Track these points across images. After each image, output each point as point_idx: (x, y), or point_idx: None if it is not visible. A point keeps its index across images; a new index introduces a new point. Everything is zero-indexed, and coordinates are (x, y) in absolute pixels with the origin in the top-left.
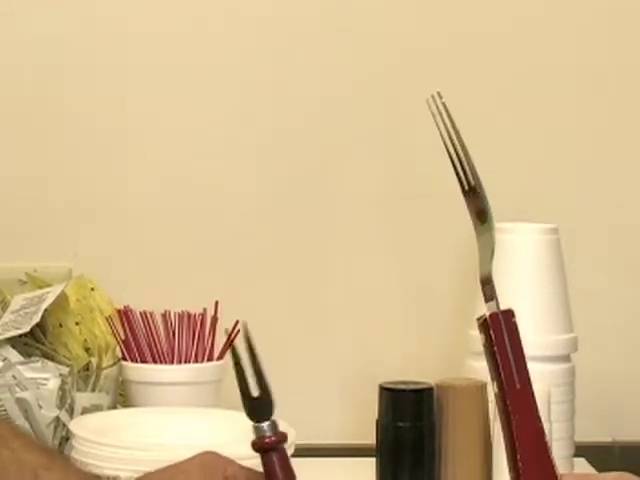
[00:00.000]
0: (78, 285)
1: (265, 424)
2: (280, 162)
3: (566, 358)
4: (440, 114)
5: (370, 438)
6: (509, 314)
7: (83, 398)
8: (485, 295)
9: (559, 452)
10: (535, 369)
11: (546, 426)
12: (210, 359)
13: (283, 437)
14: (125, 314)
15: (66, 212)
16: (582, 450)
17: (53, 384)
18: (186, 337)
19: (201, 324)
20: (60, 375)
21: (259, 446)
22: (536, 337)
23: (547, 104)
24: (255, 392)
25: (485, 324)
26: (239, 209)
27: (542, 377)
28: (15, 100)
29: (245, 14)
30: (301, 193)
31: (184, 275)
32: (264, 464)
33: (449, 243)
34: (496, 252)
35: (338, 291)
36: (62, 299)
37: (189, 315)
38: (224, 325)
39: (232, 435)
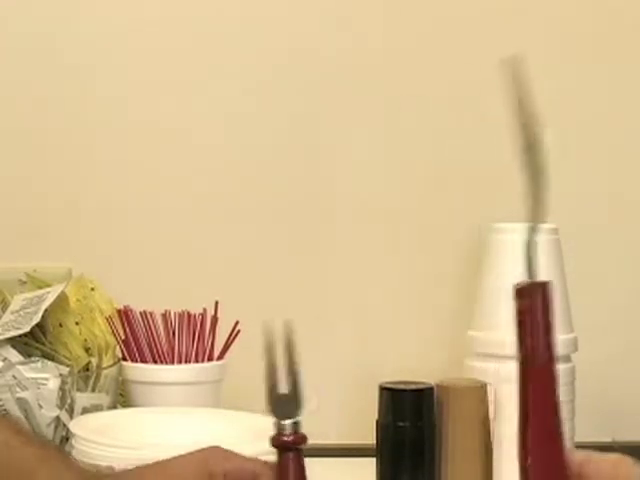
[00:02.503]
0: (78, 285)
1: (287, 422)
2: (280, 162)
3: (566, 358)
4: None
5: (370, 438)
6: (547, 286)
7: (83, 398)
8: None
9: None
10: None
11: None
12: (210, 359)
13: (302, 439)
14: (125, 314)
15: (66, 212)
16: (582, 450)
17: (53, 384)
18: (186, 337)
19: (201, 324)
20: (60, 375)
21: (276, 443)
22: None
23: (547, 104)
24: (283, 389)
25: (522, 291)
26: (239, 209)
27: None
28: (15, 100)
29: (245, 14)
30: (302, 194)
31: (184, 275)
32: (279, 462)
33: (449, 244)
34: (496, 252)
35: (338, 291)
36: (62, 299)
37: (189, 315)
38: (224, 325)
39: (232, 435)
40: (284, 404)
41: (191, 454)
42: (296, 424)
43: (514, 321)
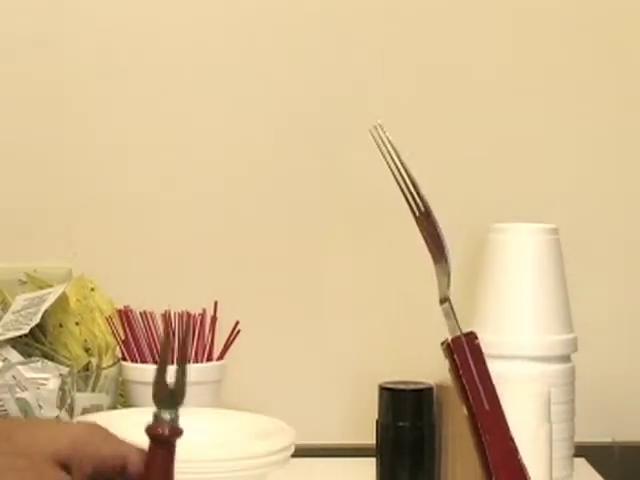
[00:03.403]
0: (78, 285)
1: (167, 413)
2: (280, 164)
3: (566, 358)
4: (384, 145)
5: (370, 438)
6: (472, 336)
7: (83, 398)
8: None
9: (559, 452)
10: (535, 369)
11: (546, 426)
12: (210, 359)
13: (177, 432)
14: (125, 314)
15: (66, 212)
16: (582, 450)
17: (53, 384)
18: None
19: (201, 324)
20: (60, 375)
21: (151, 433)
22: (536, 337)
23: (547, 104)
24: (170, 381)
25: (449, 348)
26: (239, 210)
27: (542, 377)
28: (15, 100)
29: (244, 11)
30: (300, 194)
31: (184, 275)
32: (149, 453)
33: (449, 244)
34: (496, 252)
35: (338, 291)
36: (62, 299)
37: (189, 315)
38: (224, 325)
39: (232, 435)
40: (167, 396)
41: (67, 426)
42: (174, 418)
43: (450, 377)
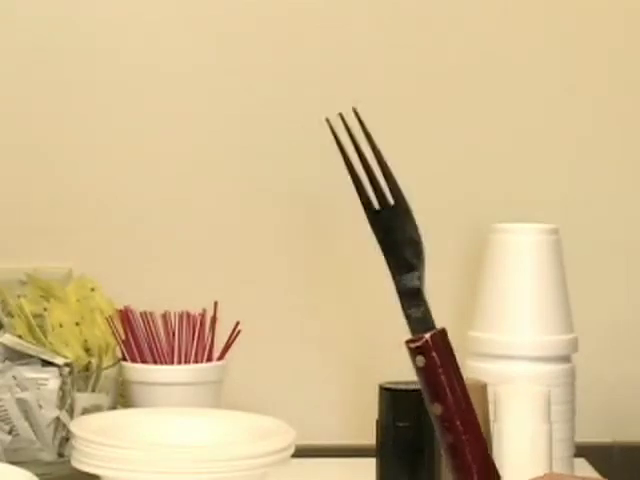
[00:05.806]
0: (78, 285)
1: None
2: (279, 164)
3: (566, 358)
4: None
5: (370, 438)
6: (444, 333)
7: (83, 398)
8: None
9: (559, 453)
10: (535, 369)
11: (546, 427)
12: (210, 359)
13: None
14: (125, 314)
15: (66, 212)
16: (582, 450)
17: (53, 384)
18: (186, 337)
19: (201, 324)
20: (60, 375)
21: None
22: (536, 337)
23: (547, 104)
24: None
25: (426, 345)
26: (239, 210)
27: (542, 377)
28: (15, 100)
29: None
30: (301, 193)
31: (184, 275)
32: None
33: (449, 243)
34: (496, 252)
35: (338, 291)
36: (62, 300)
37: (189, 315)
38: (224, 325)
39: (232, 435)
40: None
41: None
42: None
43: (419, 379)
